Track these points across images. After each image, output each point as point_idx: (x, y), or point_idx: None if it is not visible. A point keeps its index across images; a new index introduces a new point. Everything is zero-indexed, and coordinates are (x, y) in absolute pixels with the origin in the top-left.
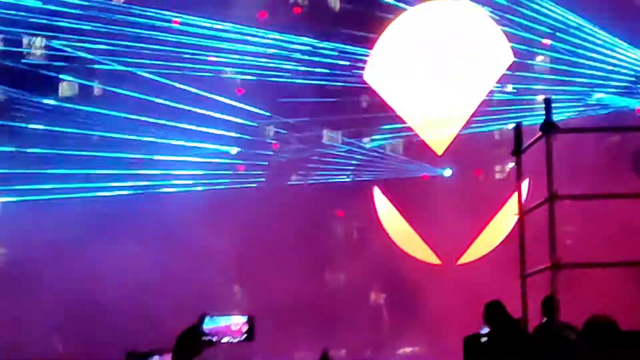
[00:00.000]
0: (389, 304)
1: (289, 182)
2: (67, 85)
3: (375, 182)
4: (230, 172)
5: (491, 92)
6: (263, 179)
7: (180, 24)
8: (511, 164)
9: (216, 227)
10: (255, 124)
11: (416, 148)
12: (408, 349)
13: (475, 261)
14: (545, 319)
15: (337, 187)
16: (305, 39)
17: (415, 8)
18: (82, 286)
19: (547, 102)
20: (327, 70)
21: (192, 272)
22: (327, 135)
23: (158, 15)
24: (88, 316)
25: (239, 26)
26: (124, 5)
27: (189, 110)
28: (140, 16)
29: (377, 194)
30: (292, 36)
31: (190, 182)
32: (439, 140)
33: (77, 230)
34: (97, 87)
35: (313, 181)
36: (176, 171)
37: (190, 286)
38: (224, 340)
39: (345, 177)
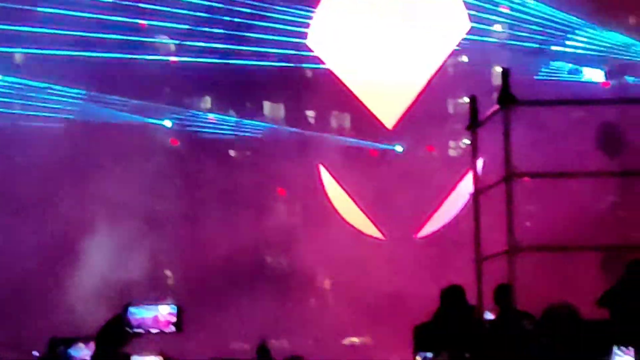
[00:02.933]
0: (335, 289)
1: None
2: None
3: (321, 158)
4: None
5: (445, 62)
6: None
7: None
8: (467, 140)
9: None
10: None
11: (365, 122)
12: (355, 339)
13: (427, 245)
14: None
15: (280, 164)
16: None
17: None
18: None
19: (505, 73)
20: (268, 37)
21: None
22: (268, 108)
23: None
24: (10, 300)
25: None
26: None
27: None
28: None
29: (323, 171)
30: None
31: None
32: (389, 113)
33: None
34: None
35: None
36: None
37: (113, 272)
38: (151, 331)
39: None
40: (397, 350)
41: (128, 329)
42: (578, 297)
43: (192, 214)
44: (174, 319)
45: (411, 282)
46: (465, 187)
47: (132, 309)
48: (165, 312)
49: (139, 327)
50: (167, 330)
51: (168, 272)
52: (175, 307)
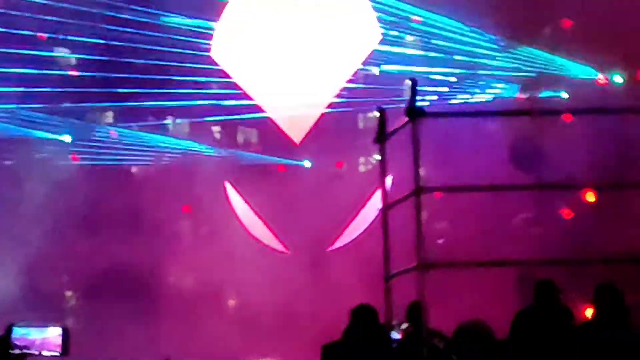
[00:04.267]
0: (240, 308)
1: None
2: None
3: (227, 174)
4: None
5: (356, 74)
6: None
7: None
8: (377, 156)
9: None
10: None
11: (272, 137)
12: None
13: (336, 262)
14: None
15: (186, 180)
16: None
17: None
18: None
19: (413, 84)
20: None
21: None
22: (173, 124)
23: None
24: None
25: None
26: None
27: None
28: None
29: (229, 188)
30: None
31: None
32: (296, 127)
33: None
34: None
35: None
36: None
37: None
38: (38, 353)
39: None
40: None
41: (13, 351)
42: (491, 314)
43: (90, 231)
44: (59, 341)
45: (320, 299)
46: (375, 202)
47: (17, 330)
48: (52, 333)
49: (25, 348)
50: (53, 353)
51: (68, 293)
52: (61, 329)
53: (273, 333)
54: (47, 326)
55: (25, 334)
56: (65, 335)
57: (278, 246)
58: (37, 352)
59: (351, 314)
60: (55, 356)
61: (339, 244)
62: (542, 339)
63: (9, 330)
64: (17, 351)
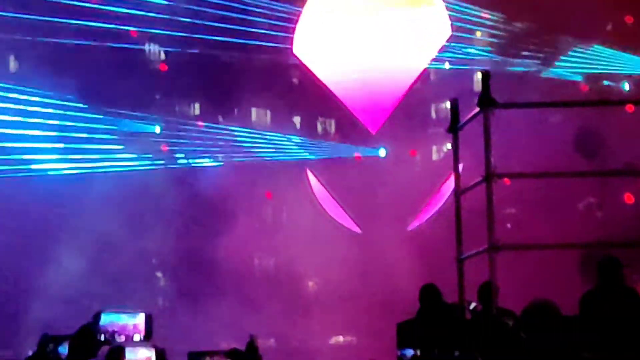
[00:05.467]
0: (321, 290)
1: (218, 163)
2: None
3: (306, 163)
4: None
5: (427, 68)
6: (186, 160)
7: None
8: (449, 145)
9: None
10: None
11: (349, 127)
12: (340, 338)
13: (412, 245)
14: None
15: (266, 168)
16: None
17: None
18: None
19: (485, 76)
20: (254, 43)
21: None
22: (255, 114)
23: None
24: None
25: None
26: None
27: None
28: None
29: (310, 176)
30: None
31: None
32: (373, 118)
33: None
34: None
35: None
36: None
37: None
38: (121, 339)
39: (271, 157)
40: (381, 348)
41: (99, 337)
42: (558, 295)
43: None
44: (144, 326)
45: (395, 280)
46: (448, 187)
47: (105, 317)
48: (136, 320)
49: (111, 334)
50: (138, 338)
51: (159, 274)
52: (144, 315)
53: (350, 312)
54: (131, 312)
55: (111, 321)
56: (149, 320)
57: (353, 227)
58: (123, 338)
59: (419, 294)
60: (140, 340)
61: (415, 223)
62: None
63: (96, 317)
64: (104, 337)
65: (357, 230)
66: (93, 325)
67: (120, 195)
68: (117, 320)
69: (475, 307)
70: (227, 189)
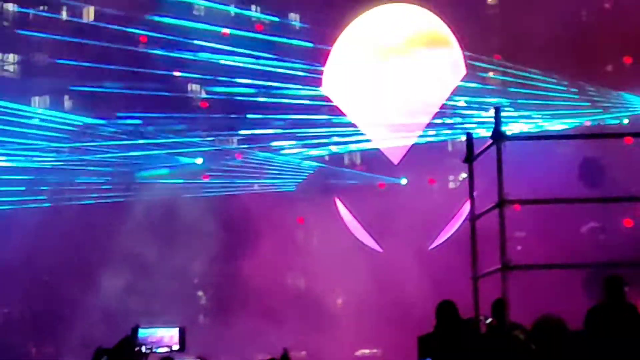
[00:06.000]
0: (347, 305)
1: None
2: None
3: (335, 191)
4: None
5: (444, 105)
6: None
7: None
8: (464, 174)
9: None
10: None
11: (373, 158)
12: (366, 351)
13: (433, 265)
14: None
15: (297, 195)
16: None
17: (370, 14)
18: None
19: (497, 111)
20: (287, 85)
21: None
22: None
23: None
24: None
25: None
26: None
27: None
28: (108, 33)
29: (339, 203)
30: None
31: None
32: (395, 150)
33: None
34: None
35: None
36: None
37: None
38: (158, 350)
39: (293, 186)
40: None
41: (137, 349)
42: (564, 311)
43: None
44: (178, 338)
45: (414, 295)
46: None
47: (142, 331)
48: (170, 333)
49: (148, 346)
50: (172, 349)
51: (200, 293)
52: (178, 329)
53: (374, 326)
54: (167, 326)
55: (148, 334)
56: (182, 333)
57: (376, 247)
58: (158, 350)
59: (436, 310)
60: (175, 351)
61: (435, 243)
62: (616, 334)
63: (134, 331)
64: (142, 349)
65: (379, 249)
66: (132, 338)
67: (165, 220)
68: (153, 333)
69: (491, 322)
70: (263, 215)
